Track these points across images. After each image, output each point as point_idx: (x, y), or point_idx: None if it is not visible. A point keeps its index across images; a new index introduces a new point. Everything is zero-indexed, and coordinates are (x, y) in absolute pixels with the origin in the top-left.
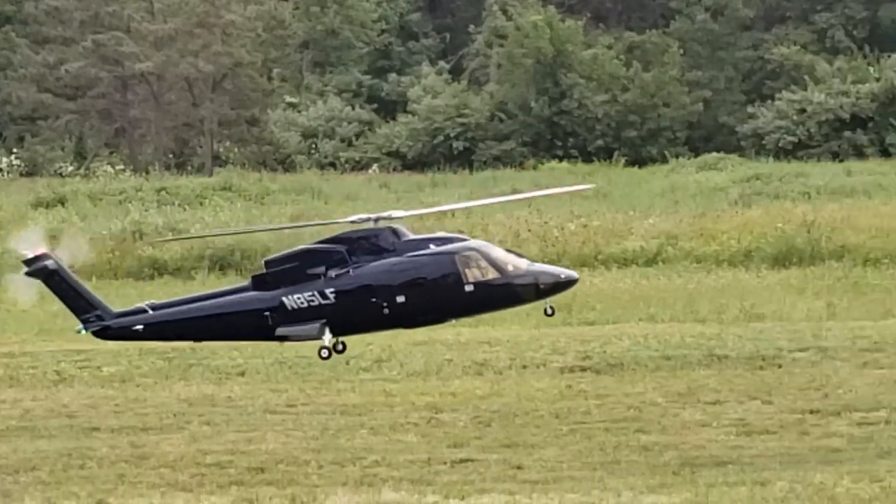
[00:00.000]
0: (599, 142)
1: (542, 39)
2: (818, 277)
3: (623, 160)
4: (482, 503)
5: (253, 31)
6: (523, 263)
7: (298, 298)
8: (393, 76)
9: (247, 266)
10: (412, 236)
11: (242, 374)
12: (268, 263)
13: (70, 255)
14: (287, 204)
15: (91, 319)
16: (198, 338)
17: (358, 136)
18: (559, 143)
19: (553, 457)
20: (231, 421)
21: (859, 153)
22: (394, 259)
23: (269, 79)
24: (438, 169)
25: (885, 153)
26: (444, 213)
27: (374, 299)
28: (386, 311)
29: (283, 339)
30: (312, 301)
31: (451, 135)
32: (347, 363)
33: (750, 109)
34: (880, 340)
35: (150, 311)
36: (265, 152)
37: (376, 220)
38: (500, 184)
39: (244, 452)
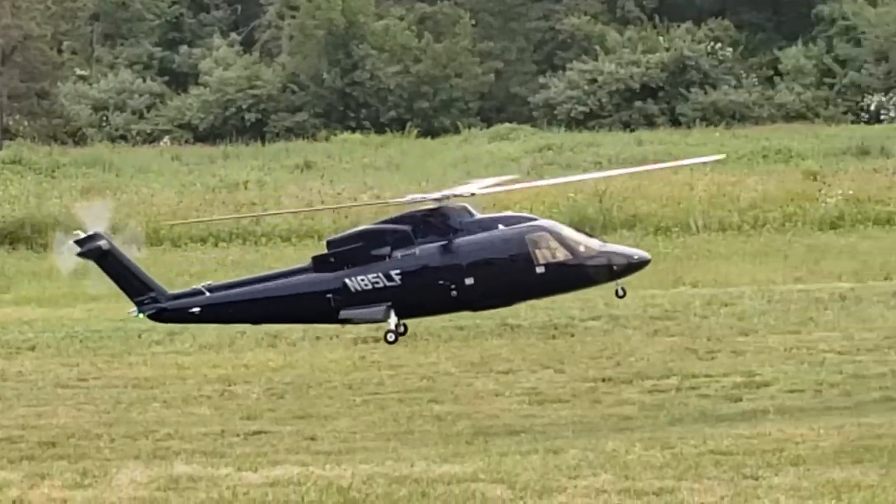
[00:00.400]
0: (392, 113)
1: (334, 11)
2: None
3: (416, 131)
4: (275, 475)
5: (42, 4)
6: (595, 244)
7: (362, 280)
8: (184, 48)
9: (37, 241)
10: (480, 215)
11: (33, 348)
12: (330, 244)
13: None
14: (78, 177)
15: (146, 302)
16: (257, 320)
17: (149, 108)
18: (352, 115)
19: (346, 427)
20: (21, 395)
21: (650, 122)
22: (462, 239)
23: (60, 51)
24: (230, 141)
25: (675, 122)
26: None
27: (441, 281)
28: (454, 293)
29: (346, 321)
30: (377, 283)
31: (243, 107)
32: (140, 336)
33: (542, 80)
34: (671, 308)
35: (207, 294)
36: (55, 125)
37: (441, 198)
38: (293, 155)
39: (35, 427)
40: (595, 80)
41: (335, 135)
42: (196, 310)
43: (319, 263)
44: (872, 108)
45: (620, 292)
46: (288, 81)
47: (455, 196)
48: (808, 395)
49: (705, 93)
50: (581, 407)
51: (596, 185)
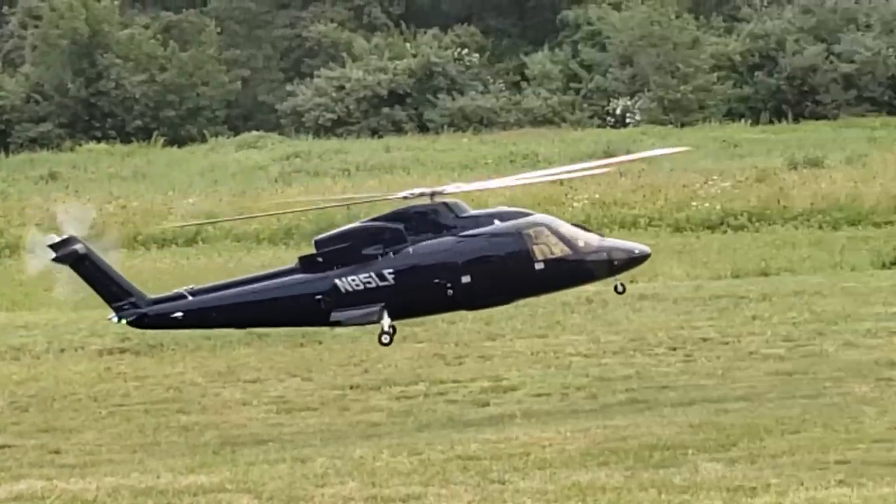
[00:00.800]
0: (138, 122)
1: (78, 20)
2: None
3: (162, 140)
4: (18, 489)
5: None
6: (594, 238)
7: (353, 280)
8: None
9: None
10: (473, 212)
11: None
12: (318, 243)
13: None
14: None
15: (125, 307)
16: (243, 324)
17: None
18: (97, 125)
19: (92, 440)
20: None
21: (398, 129)
22: (458, 236)
23: None
24: None
25: (422, 128)
26: None
27: (437, 280)
28: (450, 292)
29: (337, 324)
30: (369, 283)
31: None
32: None
33: (289, 87)
34: None
35: (190, 297)
36: None
37: (433, 194)
38: (38, 166)
39: None
40: (342, 88)
41: (80, 145)
42: (179, 314)
43: (307, 264)
44: (618, 112)
45: (620, 288)
46: (31, 92)
47: (448, 192)
48: (554, 398)
49: (453, 99)
50: (329, 415)
51: (343, 192)
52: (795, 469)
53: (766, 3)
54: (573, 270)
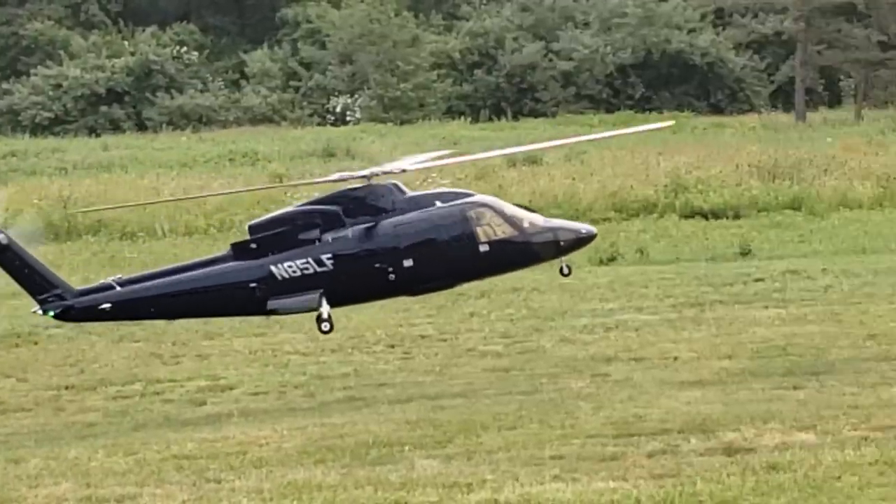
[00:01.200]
0: None
1: None
2: (75, 252)
3: None
4: None
5: None
6: (539, 219)
7: (290, 266)
8: None
9: None
10: (414, 193)
11: None
12: (252, 229)
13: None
14: None
15: (50, 300)
16: (175, 315)
17: None
18: None
19: None
20: None
21: (116, 127)
22: (398, 218)
23: None
24: None
25: (141, 127)
26: None
27: (377, 264)
28: (392, 276)
29: (273, 312)
30: (307, 269)
31: None
32: None
33: (5, 86)
34: None
35: (118, 288)
36: None
37: (369, 176)
38: None
39: None
40: (60, 86)
41: None
42: (106, 306)
43: (240, 251)
44: (338, 109)
45: (566, 270)
46: None
47: (385, 173)
48: (272, 397)
49: (171, 97)
50: (44, 415)
51: (61, 191)
52: (511, 465)
53: (485, 2)
54: (519, 252)
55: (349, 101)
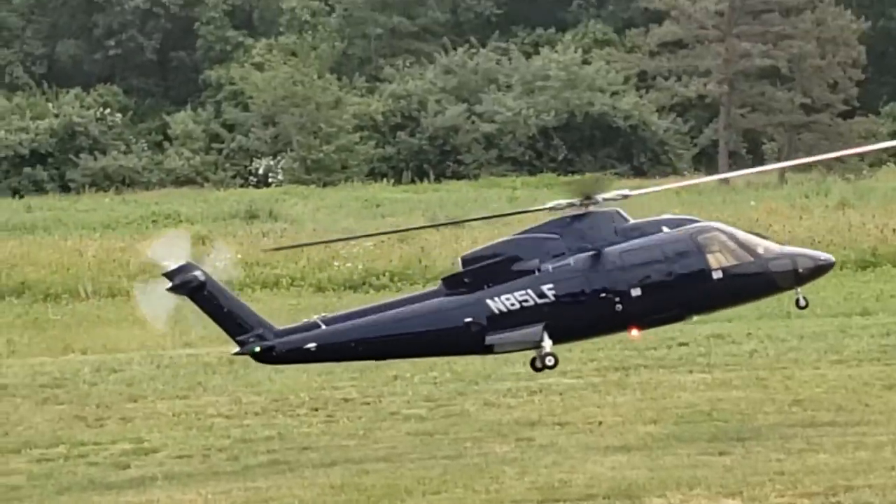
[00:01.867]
0: None
1: None
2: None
3: None
4: None
5: None
6: (775, 245)
7: (508, 299)
8: None
9: None
10: (636, 220)
11: None
12: (465, 261)
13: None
14: None
15: (250, 340)
16: (384, 356)
17: None
18: None
19: None
20: None
21: (40, 188)
22: (624, 245)
23: None
24: None
25: (65, 188)
26: None
27: (603, 295)
28: (618, 307)
29: (490, 349)
30: (526, 301)
31: None
32: None
33: None
34: (60, 376)
35: (324, 327)
36: None
37: (585, 203)
38: None
39: None
40: None
41: None
42: (312, 346)
43: (453, 284)
44: (261, 171)
45: (802, 301)
46: None
47: (606, 199)
48: (196, 460)
49: (95, 158)
50: None
51: None
52: None
53: (408, 64)
54: (755, 280)
55: (272, 162)
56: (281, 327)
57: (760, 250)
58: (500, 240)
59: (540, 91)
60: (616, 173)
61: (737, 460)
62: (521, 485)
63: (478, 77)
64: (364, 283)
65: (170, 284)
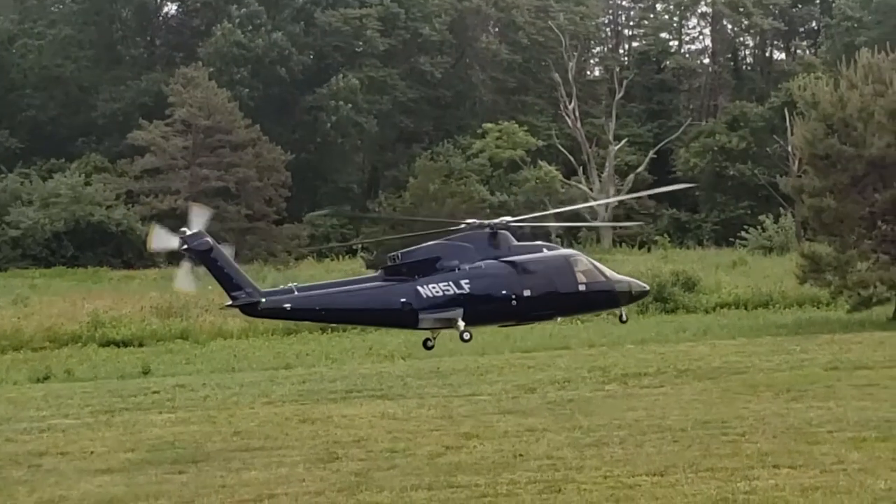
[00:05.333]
0: None
1: None
2: None
3: None
4: None
5: None
6: (613, 273)
7: (434, 288)
8: None
9: None
10: (519, 242)
11: None
12: (403, 255)
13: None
14: None
15: (241, 296)
16: (341, 321)
17: None
18: None
19: None
20: None
21: None
22: (522, 257)
23: None
24: None
25: None
26: None
27: (504, 292)
28: (514, 303)
29: (418, 324)
30: (448, 290)
31: None
32: None
33: None
34: None
35: (297, 293)
36: None
37: (491, 225)
38: None
39: None
40: None
41: None
42: (288, 306)
43: (392, 272)
44: None
45: (624, 318)
46: None
47: (493, 224)
48: None
49: None
50: None
51: None
52: None
53: None
54: (604, 295)
55: None
56: (265, 290)
57: (608, 274)
58: (431, 243)
59: (53, 205)
60: (111, 266)
61: (192, 477)
62: (31, 499)
63: (6, 195)
64: None
65: (185, 246)
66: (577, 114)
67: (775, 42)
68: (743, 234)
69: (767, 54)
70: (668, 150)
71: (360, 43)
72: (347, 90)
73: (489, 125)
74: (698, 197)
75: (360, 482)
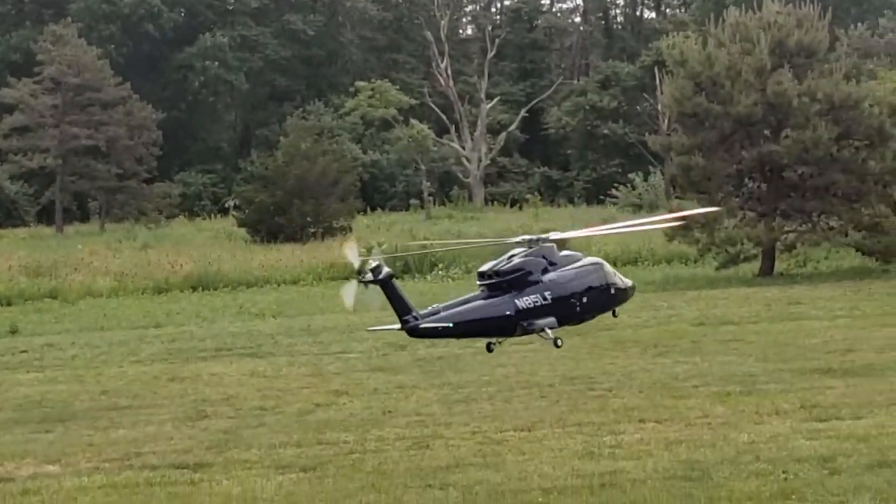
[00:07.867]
0: None
1: None
2: None
3: None
4: None
5: None
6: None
7: (527, 300)
8: None
9: None
10: (562, 252)
11: None
12: (499, 273)
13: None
14: None
15: (409, 320)
16: (478, 335)
17: None
18: None
19: None
20: None
21: None
22: (575, 267)
23: None
24: None
25: None
26: None
27: (573, 300)
28: (577, 308)
29: (522, 331)
30: (537, 302)
31: None
32: None
33: None
34: None
35: (443, 312)
36: None
37: (538, 240)
38: None
39: None
40: None
41: None
42: (440, 326)
43: (494, 289)
44: None
45: (614, 314)
46: None
47: (549, 238)
48: None
49: None
50: None
51: None
52: None
53: None
54: (620, 295)
55: None
56: (421, 311)
57: (620, 276)
58: (519, 259)
59: None
60: None
61: (58, 436)
62: None
63: None
64: None
65: (370, 277)
66: (449, 72)
67: (646, 1)
68: (613, 192)
69: (638, 13)
70: (540, 109)
71: (232, 1)
72: (216, 48)
73: (361, 83)
74: (570, 155)
75: (228, 440)
